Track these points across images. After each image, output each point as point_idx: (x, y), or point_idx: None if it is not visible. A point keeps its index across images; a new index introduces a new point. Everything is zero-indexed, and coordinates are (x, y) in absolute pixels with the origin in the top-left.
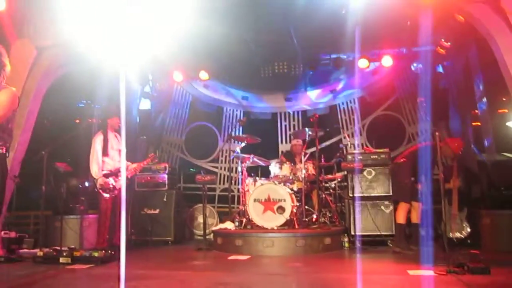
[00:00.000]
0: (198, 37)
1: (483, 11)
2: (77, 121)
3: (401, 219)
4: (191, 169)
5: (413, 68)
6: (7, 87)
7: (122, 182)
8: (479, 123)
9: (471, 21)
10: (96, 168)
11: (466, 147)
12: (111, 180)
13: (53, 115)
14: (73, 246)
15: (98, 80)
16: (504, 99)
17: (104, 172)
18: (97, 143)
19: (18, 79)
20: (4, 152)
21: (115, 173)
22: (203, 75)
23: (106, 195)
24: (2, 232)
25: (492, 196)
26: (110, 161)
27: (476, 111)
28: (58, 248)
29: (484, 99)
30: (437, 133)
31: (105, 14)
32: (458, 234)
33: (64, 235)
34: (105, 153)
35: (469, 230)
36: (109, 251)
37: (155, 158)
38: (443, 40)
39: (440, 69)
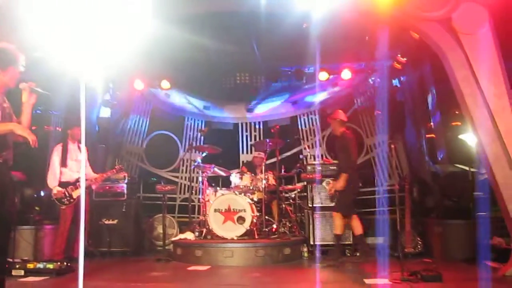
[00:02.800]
0: (160, 45)
1: (435, 29)
2: (34, 128)
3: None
4: (152, 178)
5: (371, 82)
6: None
7: (81, 192)
8: (433, 135)
9: (425, 38)
10: (51, 178)
11: (420, 159)
12: (67, 190)
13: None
14: (26, 258)
15: (56, 87)
16: (457, 112)
17: (61, 182)
18: (55, 153)
19: None
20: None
21: (73, 183)
22: (165, 84)
23: (63, 206)
24: None
25: (445, 206)
26: (68, 171)
27: (431, 123)
28: (11, 260)
29: (438, 112)
30: (393, 146)
31: (65, 19)
32: (412, 250)
33: (18, 246)
34: (63, 163)
35: (421, 245)
36: (65, 263)
37: (121, 170)
38: (399, 55)
39: (397, 83)
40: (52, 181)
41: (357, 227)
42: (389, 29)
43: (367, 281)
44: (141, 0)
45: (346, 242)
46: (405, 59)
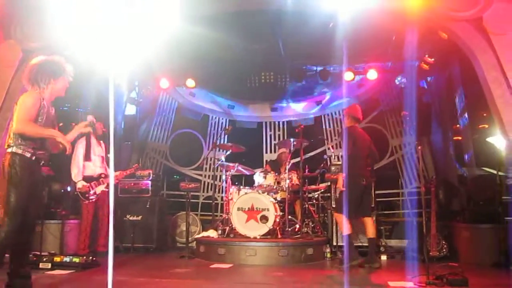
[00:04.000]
0: (186, 44)
1: (465, 30)
2: (61, 124)
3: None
4: (175, 176)
5: (397, 82)
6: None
7: (110, 188)
8: (460, 138)
9: (454, 38)
10: (76, 171)
11: (447, 161)
12: (91, 185)
13: None
14: (53, 252)
15: (83, 84)
16: (485, 114)
17: (84, 176)
18: (79, 147)
19: (3, 81)
20: (29, 157)
21: (96, 178)
22: (190, 82)
23: (86, 200)
24: None
25: (471, 210)
26: (91, 166)
27: (458, 125)
28: (38, 253)
29: (466, 114)
30: (419, 147)
31: (93, 18)
32: (437, 253)
33: (45, 240)
34: (87, 158)
35: (446, 249)
36: (90, 257)
37: (139, 169)
38: (427, 56)
39: (424, 84)
40: (77, 175)
41: (369, 229)
42: (417, 28)
43: (391, 283)
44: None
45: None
46: (432, 59)
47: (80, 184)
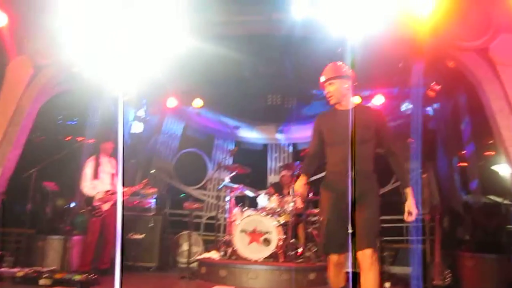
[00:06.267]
0: (194, 65)
1: (472, 59)
2: (68, 138)
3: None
4: (182, 195)
5: (403, 109)
6: None
7: (118, 205)
8: (465, 164)
9: (461, 67)
10: (88, 187)
11: (452, 188)
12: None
13: (44, 132)
14: (54, 267)
15: (91, 100)
16: (490, 142)
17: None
18: (88, 166)
19: (13, 96)
20: None
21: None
22: (197, 102)
23: (92, 218)
24: None
25: (477, 239)
26: (99, 184)
27: (463, 152)
28: (39, 269)
29: (472, 142)
30: (424, 175)
31: (102, 36)
32: (440, 282)
33: (46, 256)
34: (95, 176)
35: (450, 279)
36: (91, 275)
37: (148, 185)
38: (433, 83)
39: (430, 111)
40: (91, 190)
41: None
42: (424, 56)
43: None
44: (178, 20)
45: None
46: (439, 87)
47: (100, 194)
